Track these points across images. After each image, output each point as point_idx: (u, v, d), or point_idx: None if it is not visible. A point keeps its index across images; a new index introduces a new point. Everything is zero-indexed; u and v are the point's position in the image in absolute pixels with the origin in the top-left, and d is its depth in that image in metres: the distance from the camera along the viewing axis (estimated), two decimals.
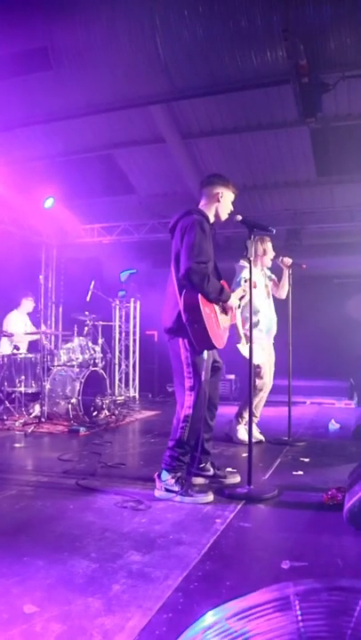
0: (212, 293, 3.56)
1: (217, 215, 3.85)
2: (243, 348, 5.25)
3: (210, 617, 0.92)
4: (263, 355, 5.50)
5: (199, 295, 3.47)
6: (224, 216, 3.89)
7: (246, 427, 5.45)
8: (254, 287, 4.88)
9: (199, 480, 3.88)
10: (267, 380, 5.52)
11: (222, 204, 3.86)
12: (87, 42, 5.43)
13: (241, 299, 3.96)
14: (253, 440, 5.47)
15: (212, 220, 3.81)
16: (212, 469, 3.96)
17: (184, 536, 2.81)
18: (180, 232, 3.64)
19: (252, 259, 3.76)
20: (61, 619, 1.95)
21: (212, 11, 4.97)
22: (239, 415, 5.57)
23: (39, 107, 6.47)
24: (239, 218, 3.72)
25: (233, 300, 3.79)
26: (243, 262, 5.37)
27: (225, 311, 3.77)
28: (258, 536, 2.89)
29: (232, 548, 2.70)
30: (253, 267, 4.00)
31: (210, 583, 2.26)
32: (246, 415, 5.51)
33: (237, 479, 3.92)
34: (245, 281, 3.98)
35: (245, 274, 4.43)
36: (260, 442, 5.49)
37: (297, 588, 0.81)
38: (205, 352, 3.60)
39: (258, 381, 5.41)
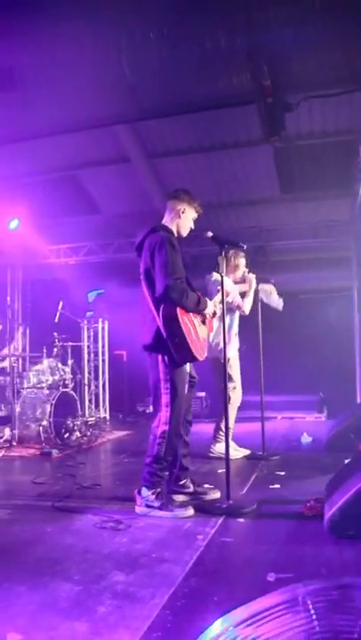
0: (191, 306, 3.60)
1: (178, 231, 3.88)
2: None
3: (218, 626, 0.91)
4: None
5: (177, 308, 3.49)
6: (184, 232, 3.93)
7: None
8: (227, 296, 5.01)
9: (180, 497, 3.85)
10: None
11: (183, 220, 3.88)
12: (53, 62, 5.43)
13: (213, 315, 3.98)
14: (240, 455, 5.48)
15: (175, 234, 3.83)
16: (192, 486, 3.93)
17: (167, 554, 2.78)
18: (150, 250, 3.65)
19: (223, 274, 3.79)
20: None
21: (178, 33, 5.05)
22: (218, 430, 5.55)
23: (4, 126, 6.42)
24: (210, 234, 3.76)
25: (210, 308, 3.82)
26: (214, 276, 5.42)
27: (203, 321, 3.79)
28: (241, 550, 2.88)
29: (216, 563, 2.68)
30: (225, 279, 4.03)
31: (197, 599, 2.24)
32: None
33: (217, 495, 3.90)
34: (218, 290, 4.00)
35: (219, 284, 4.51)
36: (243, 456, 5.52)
37: (307, 587, 0.81)
38: (183, 367, 3.61)
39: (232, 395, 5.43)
